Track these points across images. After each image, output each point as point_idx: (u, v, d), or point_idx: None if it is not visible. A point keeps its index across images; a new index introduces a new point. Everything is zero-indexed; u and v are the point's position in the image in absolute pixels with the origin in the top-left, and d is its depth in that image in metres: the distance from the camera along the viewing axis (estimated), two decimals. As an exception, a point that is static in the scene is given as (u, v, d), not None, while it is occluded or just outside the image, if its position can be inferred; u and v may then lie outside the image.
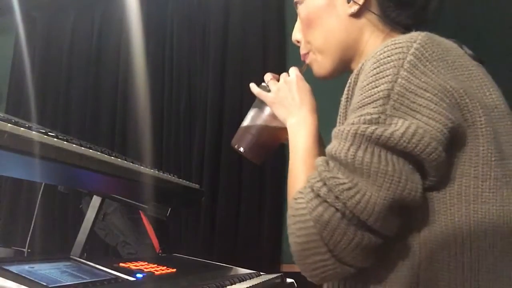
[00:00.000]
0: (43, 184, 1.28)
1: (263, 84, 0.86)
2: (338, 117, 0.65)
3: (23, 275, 0.73)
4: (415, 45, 0.56)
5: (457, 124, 0.54)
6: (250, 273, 1.14)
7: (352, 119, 0.57)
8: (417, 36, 0.58)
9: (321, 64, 0.79)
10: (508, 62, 1.49)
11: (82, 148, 0.85)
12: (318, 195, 0.55)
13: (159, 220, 1.33)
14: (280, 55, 2.27)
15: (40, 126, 0.84)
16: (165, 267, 1.03)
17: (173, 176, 1.30)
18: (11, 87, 2.79)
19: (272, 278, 1.14)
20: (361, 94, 0.58)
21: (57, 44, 2.72)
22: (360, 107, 0.57)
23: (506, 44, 1.58)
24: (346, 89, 0.64)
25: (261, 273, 1.18)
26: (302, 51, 0.83)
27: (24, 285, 0.69)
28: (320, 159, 0.59)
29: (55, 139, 0.78)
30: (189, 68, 2.41)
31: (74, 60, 2.67)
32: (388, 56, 0.56)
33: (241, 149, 0.86)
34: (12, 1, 2.50)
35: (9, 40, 2.81)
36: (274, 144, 0.87)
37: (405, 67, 0.55)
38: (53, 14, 2.76)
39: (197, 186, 1.45)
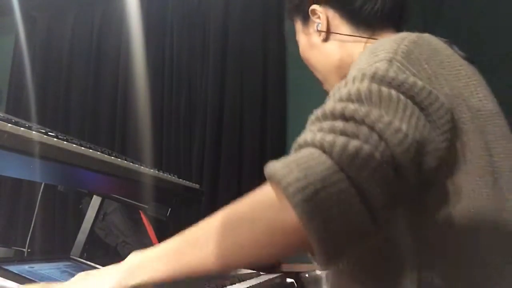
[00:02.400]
0: (43, 184, 1.28)
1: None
2: None
3: (23, 275, 0.73)
4: (406, 40, 0.57)
5: (454, 118, 0.53)
6: (250, 273, 1.14)
7: (355, 73, 0.51)
8: (407, 34, 0.60)
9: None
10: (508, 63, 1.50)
11: (82, 148, 0.85)
12: (333, 131, 0.44)
13: (159, 220, 1.33)
14: (280, 55, 2.27)
15: (40, 126, 0.84)
16: (165, 267, 1.03)
17: (173, 176, 1.30)
18: (11, 87, 2.79)
19: (272, 278, 1.14)
20: (358, 66, 0.55)
21: (57, 44, 2.72)
22: (362, 68, 0.53)
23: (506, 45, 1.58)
24: None
25: (261, 273, 1.18)
26: None
27: (24, 285, 0.69)
28: (312, 115, 0.50)
29: (55, 139, 0.78)
30: (189, 68, 2.41)
31: (74, 60, 2.67)
32: (383, 43, 0.57)
33: None
34: (12, 1, 2.50)
35: (9, 40, 2.81)
36: None
37: (401, 48, 0.55)
38: (53, 14, 2.76)
39: (197, 186, 1.45)
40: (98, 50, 2.63)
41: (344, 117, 0.45)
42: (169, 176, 1.27)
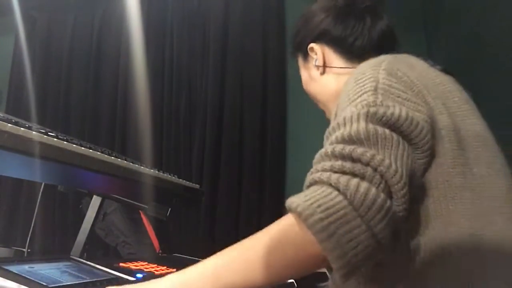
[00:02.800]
0: (43, 184, 1.28)
1: None
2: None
3: (23, 275, 0.73)
4: (384, 63, 0.67)
5: (432, 123, 0.62)
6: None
7: (348, 111, 0.60)
8: (385, 57, 0.70)
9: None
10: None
11: (82, 148, 0.85)
12: (343, 171, 0.54)
13: (159, 220, 1.33)
14: (280, 55, 2.27)
15: (40, 126, 0.84)
16: (165, 267, 1.03)
17: (173, 176, 1.30)
18: (11, 87, 2.79)
19: (272, 278, 1.14)
20: (348, 96, 0.64)
21: (57, 44, 2.72)
22: (352, 101, 0.62)
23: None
24: (334, 111, 0.71)
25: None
26: None
27: (24, 285, 0.69)
28: (321, 151, 0.58)
29: (55, 139, 0.78)
30: (189, 68, 2.41)
31: (74, 60, 2.67)
32: (364, 71, 0.66)
33: None
34: (12, 1, 2.50)
35: (9, 40, 2.81)
36: None
37: (381, 73, 0.65)
38: (53, 14, 2.76)
39: (197, 186, 1.45)
40: (98, 51, 2.63)
41: (352, 159, 0.54)
42: (169, 176, 1.28)
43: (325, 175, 0.54)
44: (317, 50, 0.87)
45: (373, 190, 0.51)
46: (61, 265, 0.89)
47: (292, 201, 0.54)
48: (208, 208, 2.17)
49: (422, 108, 0.62)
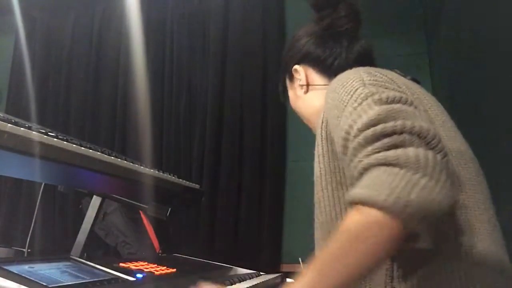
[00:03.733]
0: (43, 184, 1.28)
1: None
2: (320, 140, 0.76)
3: (23, 275, 0.73)
4: (362, 69, 0.75)
5: None
6: (250, 273, 1.14)
7: (349, 110, 0.65)
8: (359, 67, 0.77)
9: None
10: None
11: (82, 148, 0.85)
12: (385, 148, 0.57)
13: (159, 220, 1.33)
14: (279, 55, 2.27)
15: (40, 126, 0.84)
16: (165, 267, 1.03)
17: (173, 176, 1.30)
18: (11, 87, 2.79)
19: (272, 278, 1.14)
20: (340, 100, 0.68)
21: (57, 44, 2.72)
22: (347, 102, 0.67)
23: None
24: (320, 123, 0.77)
25: (261, 273, 1.18)
26: None
27: (24, 285, 0.69)
28: (352, 146, 0.61)
29: (55, 139, 0.78)
30: (189, 69, 2.41)
31: (74, 60, 2.67)
32: (347, 77, 0.72)
33: None
34: (12, 1, 2.50)
35: (9, 40, 2.81)
36: None
37: (363, 74, 0.71)
38: (53, 14, 2.77)
39: (197, 186, 1.45)
40: (98, 50, 2.63)
41: (386, 134, 0.58)
42: (169, 176, 1.28)
43: (372, 159, 0.57)
44: (301, 71, 0.95)
45: (421, 150, 0.56)
46: (61, 265, 0.89)
47: (354, 194, 0.56)
48: (208, 208, 2.17)
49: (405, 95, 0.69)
